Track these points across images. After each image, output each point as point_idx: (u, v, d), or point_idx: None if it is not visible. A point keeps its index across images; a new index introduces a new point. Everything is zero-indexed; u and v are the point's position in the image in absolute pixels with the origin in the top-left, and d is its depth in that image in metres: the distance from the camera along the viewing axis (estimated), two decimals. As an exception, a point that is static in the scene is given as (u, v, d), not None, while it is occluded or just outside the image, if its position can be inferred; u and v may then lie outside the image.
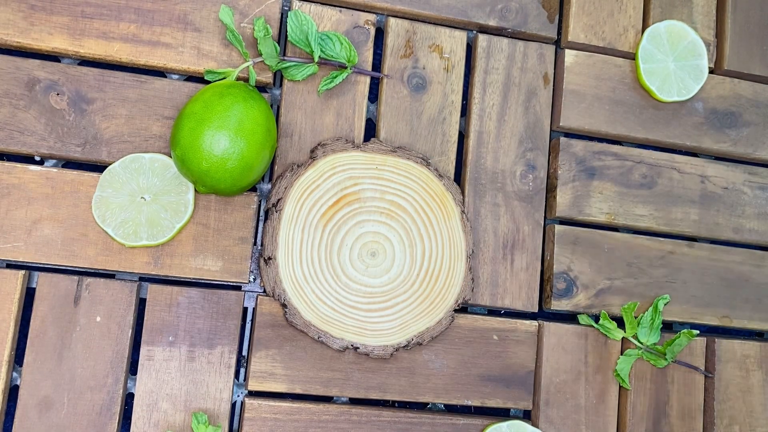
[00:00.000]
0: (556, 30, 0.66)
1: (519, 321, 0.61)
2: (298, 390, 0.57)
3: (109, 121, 0.56)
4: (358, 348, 0.57)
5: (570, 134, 0.65)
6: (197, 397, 0.55)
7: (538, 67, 0.64)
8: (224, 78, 0.57)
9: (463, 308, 0.62)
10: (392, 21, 0.62)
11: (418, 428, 0.58)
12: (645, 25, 0.67)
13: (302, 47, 0.58)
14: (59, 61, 0.57)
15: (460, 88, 0.63)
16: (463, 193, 0.62)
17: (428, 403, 0.61)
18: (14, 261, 0.54)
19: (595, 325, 0.62)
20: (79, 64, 0.58)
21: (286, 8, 0.61)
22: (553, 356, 0.61)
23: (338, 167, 0.57)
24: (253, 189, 0.59)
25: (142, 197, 0.54)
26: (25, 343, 0.53)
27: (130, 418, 0.54)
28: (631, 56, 0.66)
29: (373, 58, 0.62)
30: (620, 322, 0.63)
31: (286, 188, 0.57)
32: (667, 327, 0.66)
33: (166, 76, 0.59)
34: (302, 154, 0.59)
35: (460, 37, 0.63)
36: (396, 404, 0.60)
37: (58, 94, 0.56)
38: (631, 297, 0.63)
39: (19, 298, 0.54)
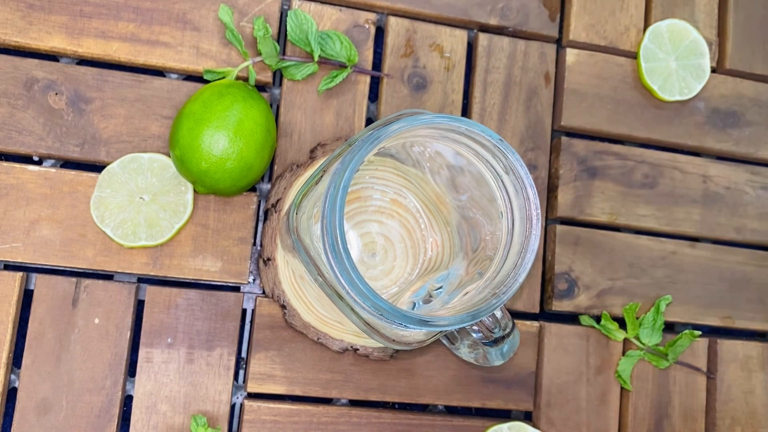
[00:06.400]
0: (557, 29, 0.65)
1: (520, 322, 0.61)
2: (297, 392, 0.56)
3: (107, 121, 0.56)
4: (358, 349, 0.56)
5: (571, 134, 0.65)
6: (196, 399, 0.55)
7: (539, 67, 0.64)
8: (223, 77, 0.56)
9: (463, 309, 0.62)
10: (392, 20, 0.62)
11: (418, 430, 0.58)
12: (646, 24, 0.67)
13: (302, 46, 0.58)
14: (58, 60, 0.57)
15: (461, 87, 0.62)
16: (463, 193, 0.61)
17: (428, 405, 0.61)
18: (12, 262, 0.54)
19: (596, 326, 0.62)
20: (78, 63, 0.57)
21: (285, 7, 0.61)
22: (554, 357, 0.61)
23: (338, 167, 0.57)
24: (253, 189, 0.59)
25: (140, 197, 0.54)
26: (23, 345, 0.53)
27: (129, 420, 0.54)
28: (633, 55, 0.66)
29: (374, 58, 0.62)
30: (622, 323, 0.63)
31: (285, 188, 0.56)
32: (669, 328, 0.65)
33: (164, 76, 0.59)
34: (302, 154, 0.59)
35: (461, 36, 0.63)
36: (396, 406, 0.60)
37: (56, 94, 0.55)
38: (632, 297, 0.63)
39: (17, 300, 0.53)
